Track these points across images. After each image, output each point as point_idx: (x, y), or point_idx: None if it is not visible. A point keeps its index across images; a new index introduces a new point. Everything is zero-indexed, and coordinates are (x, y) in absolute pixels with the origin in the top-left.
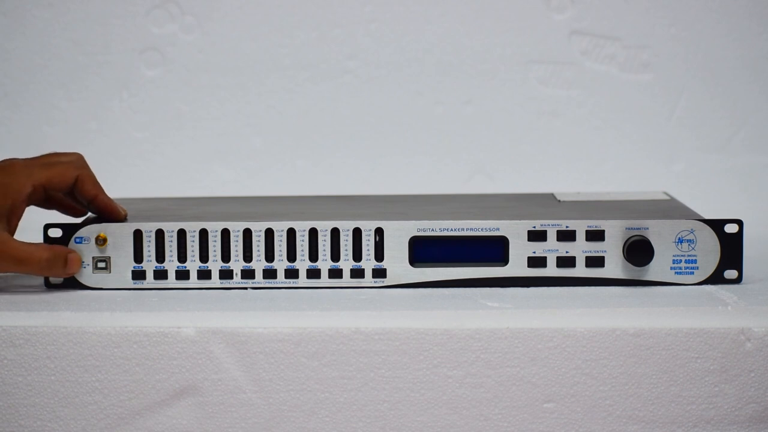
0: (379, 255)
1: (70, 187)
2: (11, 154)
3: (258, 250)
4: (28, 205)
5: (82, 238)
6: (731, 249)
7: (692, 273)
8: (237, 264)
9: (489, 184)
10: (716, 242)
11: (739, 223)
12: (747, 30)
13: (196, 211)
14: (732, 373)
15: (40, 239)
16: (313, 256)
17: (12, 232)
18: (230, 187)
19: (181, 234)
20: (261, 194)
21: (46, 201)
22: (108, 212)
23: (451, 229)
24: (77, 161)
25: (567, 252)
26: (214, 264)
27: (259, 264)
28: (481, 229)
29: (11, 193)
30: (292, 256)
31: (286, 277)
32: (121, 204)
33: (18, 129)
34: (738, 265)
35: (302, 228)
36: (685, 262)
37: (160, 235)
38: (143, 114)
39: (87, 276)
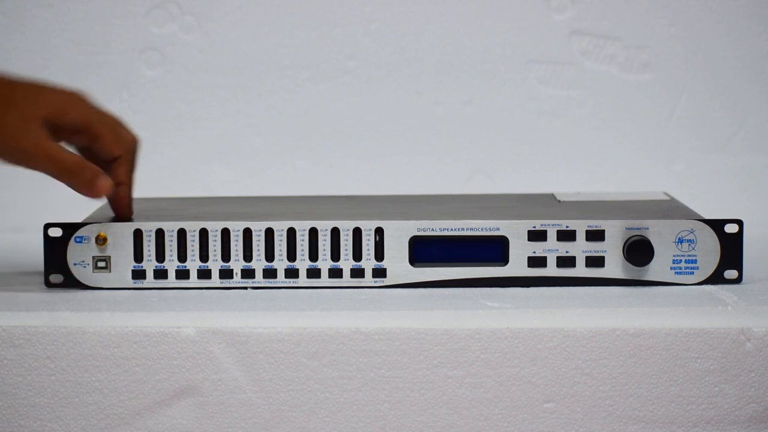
0: (379, 255)
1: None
2: None
3: (258, 250)
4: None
5: (82, 237)
6: (731, 249)
7: (692, 273)
8: (237, 264)
9: (489, 184)
10: (716, 242)
11: (739, 223)
12: (747, 30)
13: (196, 210)
14: (732, 373)
15: (39, 238)
16: (313, 255)
17: (51, 132)
18: (230, 187)
19: (181, 234)
20: (261, 194)
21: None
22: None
23: (451, 229)
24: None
25: (567, 252)
26: (214, 264)
27: (259, 264)
28: (481, 229)
29: (59, 101)
30: (292, 255)
31: (286, 277)
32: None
33: None
34: (738, 265)
35: (302, 228)
36: (685, 262)
37: (160, 234)
38: (143, 114)
39: (87, 276)
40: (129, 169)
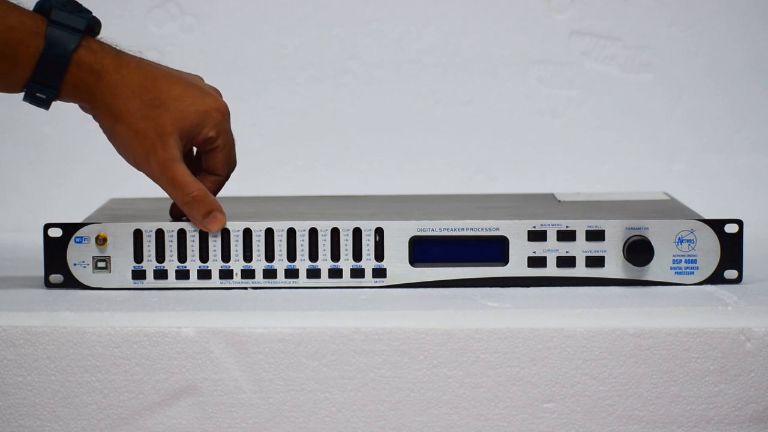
0: (379, 255)
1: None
2: (11, 153)
3: (258, 250)
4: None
5: (82, 237)
6: (731, 249)
7: (692, 273)
8: (237, 264)
9: (489, 184)
10: (716, 242)
11: (739, 223)
12: (747, 30)
13: None
14: (732, 373)
15: (39, 238)
16: (313, 256)
17: (181, 151)
18: (230, 187)
19: (181, 234)
20: (261, 194)
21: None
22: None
23: (451, 229)
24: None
25: (567, 252)
26: (214, 264)
27: (259, 264)
28: (481, 229)
29: (200, 114)
30: (292, 256)
31: (286, 277)
32: (124, 204)
33: (18, 129)
34: (738, 265)
35: (302, 228)
36: (685, 262)
37: (160, 234)
38: None
39: (87, 276)
40: (217, 189)
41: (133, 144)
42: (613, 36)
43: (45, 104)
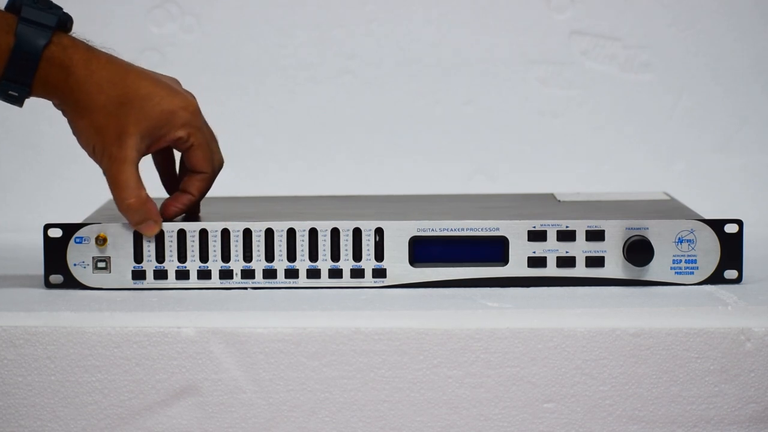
0: (379, 255)
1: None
2: (11, 153)
3: (258, 250)
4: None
5: (82, 238)
6: (731, 249)
7: (692, 273)
8: (237, 264)
9: (489, 184)
10: (716, 242)
11: (739, 223)
12: (747, 30)
13: None
14: (732, 373)
15: (39, 238)
16: (313, 256)
17: (142, 151)
18: (230, 187)
19: (181, 234)
20: (261, 194)
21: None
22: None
23: (451, 229)
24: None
25: (567, 252)
26: (214, 264)
27: (259, 264)
28: (481, 229)
29: (166, 113)
30: (292, 256)
31: (286, 277)
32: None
33: (18, 129)
34: (738, 265)
35: (302, 228)
36: (685, 262)
37: (160, 235)
38: None
39: (87, 276)
40: (205, 187)
41: (92, 138)
42: (613, 36)
43: (18, 101)
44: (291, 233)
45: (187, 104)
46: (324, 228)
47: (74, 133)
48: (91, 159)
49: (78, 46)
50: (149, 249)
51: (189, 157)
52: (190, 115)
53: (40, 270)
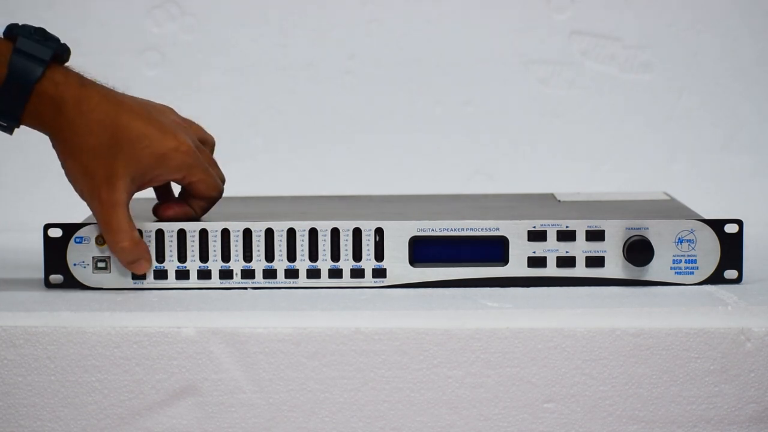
0: (379, 255)
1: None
2: (10, 153)
3: (258, 250)
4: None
5: (81, 238)
6: (731, 249)
7: (692, 273)
8: (237, 264)
9: (489, 184)
10: (716, 242)
11: (739, 223)
12: (747, 30)
13: None
14: (732, 373)
15: (39, 238)
16: (313, 256)
17: (133, 192)
18: (230, 188)
19: (181, 234)
20: (261, 194)
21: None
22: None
23: (451, 229)
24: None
25: (567, 252)
26: (214, 264)
27: (259, 264)
28: (481, 229)
29: (157, 158)
30: (292, 256)
31: (286, 277)
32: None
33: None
34: (738, 265)
35: (302, 228)
36: (685, 262)
37: (160, 235)
38: None
39: (87, 276)
40: (208, 208)
41: (81, 180)
42: (613, 36)
43: (7, 130)
44: (291, 233)
45: (178, 145)
46: (324, 228)
47: (63, 169)
48: (81, 199)
49: (70, 82)
50: (149, 249)
51: (190, 189)
52: (183, 156)
53: (40, 270)
